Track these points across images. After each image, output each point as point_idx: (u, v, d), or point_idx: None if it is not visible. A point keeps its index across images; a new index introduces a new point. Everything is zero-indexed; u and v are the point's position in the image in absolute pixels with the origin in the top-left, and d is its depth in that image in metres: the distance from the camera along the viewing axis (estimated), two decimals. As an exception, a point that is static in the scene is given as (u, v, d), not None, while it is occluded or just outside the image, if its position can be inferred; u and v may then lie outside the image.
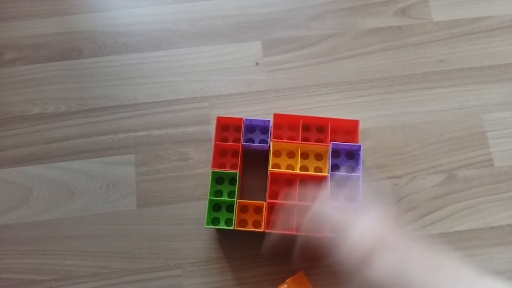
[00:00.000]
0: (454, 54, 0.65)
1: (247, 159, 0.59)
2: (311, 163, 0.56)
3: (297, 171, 0.54)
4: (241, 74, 0.64)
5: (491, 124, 0.62)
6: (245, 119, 0.57)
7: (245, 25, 0.67)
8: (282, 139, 0.58)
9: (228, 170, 0.56)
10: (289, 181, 0.56)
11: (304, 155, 0.57)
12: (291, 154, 0.57)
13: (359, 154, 0.55)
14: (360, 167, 0.54)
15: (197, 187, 0.59)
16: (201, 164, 0.60)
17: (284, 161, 0.56)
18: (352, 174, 0.54)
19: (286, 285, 0.52)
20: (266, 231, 0.52)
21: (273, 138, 0.56)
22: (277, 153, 0.57)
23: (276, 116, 0.57)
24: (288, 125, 0.58)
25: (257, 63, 0.65)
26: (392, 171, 0.60)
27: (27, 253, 0.58)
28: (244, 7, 0.67)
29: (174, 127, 0.62)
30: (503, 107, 0.62)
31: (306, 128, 0.58)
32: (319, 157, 0.57)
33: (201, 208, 0.58)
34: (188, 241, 0.57)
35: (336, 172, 0.54)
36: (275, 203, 0.53)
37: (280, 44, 0.66)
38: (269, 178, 0.55)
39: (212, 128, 0.61)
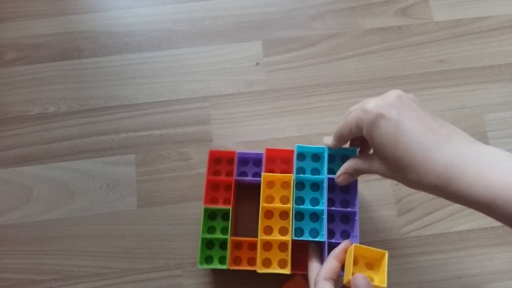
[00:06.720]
0: (455, 54, 0.65)
1: (241, 191, 0.58)
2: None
3: (290, 205, 0.50)
4: (242, 74, 0.64)
5: (491, 124, 0.62)
6: (237, 152, 0.55)
7: (245, 25, 0.67)
8: (274, 173, 0.54)
9: (221, 206, 0.53)
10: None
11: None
12: (285, 185, 0.53)
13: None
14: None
15: (198, 187, 0.59)
16: (201, 164, 0.60)
17: (278, 192, 0.52)
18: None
19: None
20: (259, 271, 0.49)
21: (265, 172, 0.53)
22: (270, 184, 0.53)
23: (268, 150, 0.54)
24: (281, 159, 0.56)
25: (257, 63, 0.65)
26: (393, 171, 0.59)
27: (27, 253, 0.58)
28: (245, 7, 0.67)
29: (174, 127, 0.62)
30: (503, 107, 0.62)
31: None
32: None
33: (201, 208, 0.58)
34: (188, 241, 0.57)
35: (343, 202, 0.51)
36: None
37: (280, 44, 0.66)
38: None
39: (212, 128, 0.61)
